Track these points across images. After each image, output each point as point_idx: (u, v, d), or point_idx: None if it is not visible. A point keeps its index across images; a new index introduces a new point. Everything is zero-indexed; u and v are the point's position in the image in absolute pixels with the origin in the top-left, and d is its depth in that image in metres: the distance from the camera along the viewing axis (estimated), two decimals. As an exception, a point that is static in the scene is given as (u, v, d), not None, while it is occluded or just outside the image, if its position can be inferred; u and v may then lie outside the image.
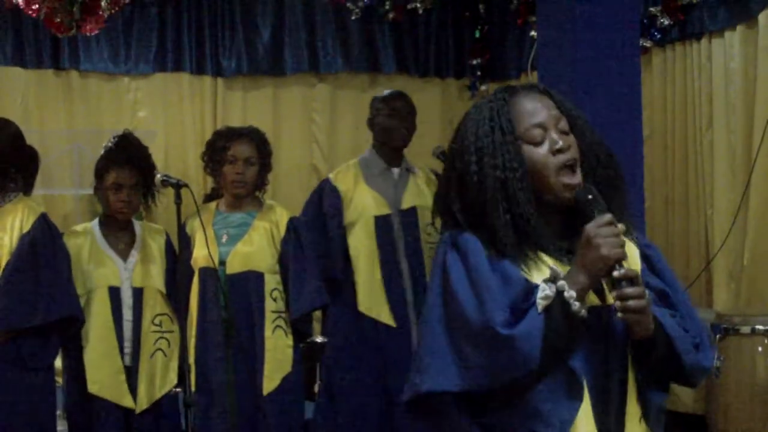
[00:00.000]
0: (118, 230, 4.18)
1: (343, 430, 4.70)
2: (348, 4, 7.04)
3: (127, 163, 4.09)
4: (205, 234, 4.13)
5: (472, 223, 2.01)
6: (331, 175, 4.85)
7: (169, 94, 7.07)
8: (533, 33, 6.02)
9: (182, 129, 7.07)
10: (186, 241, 4.24)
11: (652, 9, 5.87)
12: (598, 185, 2.01)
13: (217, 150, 4.33)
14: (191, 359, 4.17)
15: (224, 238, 4.30)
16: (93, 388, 4.00)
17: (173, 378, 4.14)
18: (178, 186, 3.83)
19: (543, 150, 2.01)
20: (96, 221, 4.22)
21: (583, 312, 1.92)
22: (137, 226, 4.24)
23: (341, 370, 4.72)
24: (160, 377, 4.11)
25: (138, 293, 4.10)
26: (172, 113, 7.07)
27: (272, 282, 4.26)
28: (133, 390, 4.05)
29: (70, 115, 6.92)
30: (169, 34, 7.03)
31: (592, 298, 1.98)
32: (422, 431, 2.10)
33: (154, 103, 7.05)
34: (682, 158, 5.98)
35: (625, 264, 1.93)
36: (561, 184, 2.00)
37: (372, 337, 4.64)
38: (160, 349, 4.11)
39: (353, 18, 7.12)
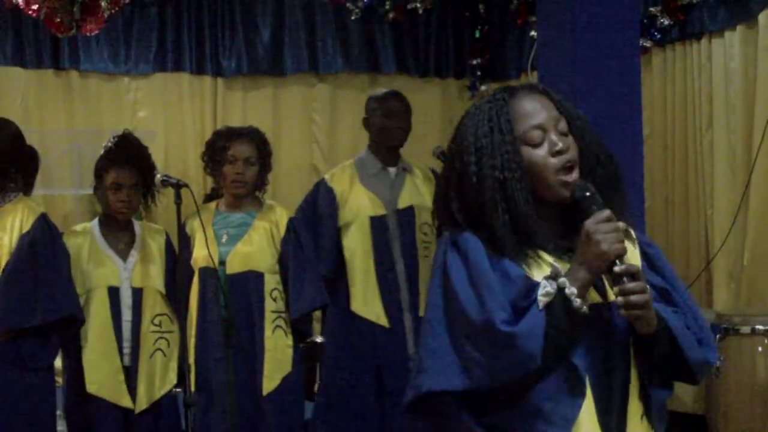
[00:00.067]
0: (118, 230, 4.18)
1: (340, 430, 4.70)
2: (348, 4, 7.04)
3: (126, 163, 4.09)
4: (205, 234, 4.13)
5: (471, 222, 2.02)
6: (326, 176, 4.85)
7: (169, 94, 7.06)
8: (533, 33, 6.02)
9: (182, 129, 7.07)
10: (186, 241, 4.24)
11: (652, 9, 5.87)
12: (597, 186, 2.01)
13: (217, 150, 4.33)
14: (191, 359, 4.17)
15: (224, 238, 4.30)
16: (91, 388, 4.00)
17: (173, 378, 4.14)
18: (178, 186, 3.83)
19: (542, 151, 2.02)
20: (96, 221, 4.22)
21: (585, 308, 1.92)
22: (137, 226, 4.24)
23: (337, 370, 4.73)
24: (160, 377, 4.11)
25: (137, 293, 4.10)
26: (172, 113, 7.07)
27: (272, 282, 4.26)
28: (132, 390, 4.05)
29: (70, 115, 6.92)
30: (169, 34, 7.02)
31: (594, 296, 1.99)
32: (424, 432, 2.10)
33: (154, 103, 7.05)
34: (682, 158, 5.98)
35: (625, 259, 1.93)
36: (559, 181, 2.00)
37: (367, 337, 4.63)
38: (159, 349, 4.11)
39: (353, 18, 7.12)
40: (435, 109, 7.39)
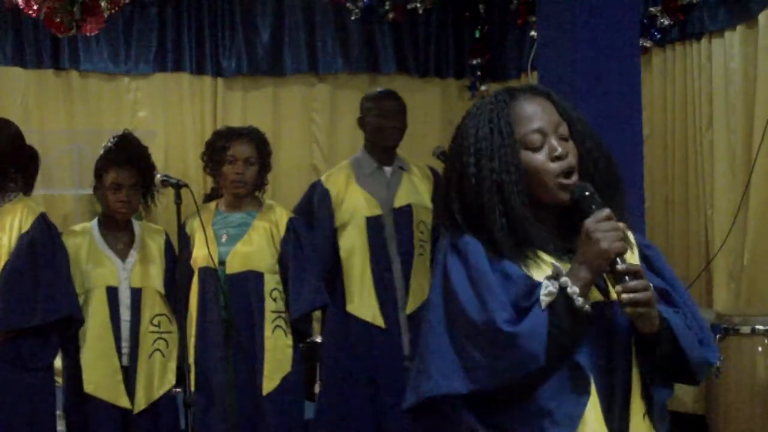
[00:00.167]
0: (117, 230, 4.18)
1: (338, 430, 4.71)
2: (348, 5, 7.04)
3: (126, 163, 4.09)
4: (205, 234, 4.13)
5: (470, 224, 2.02)
6: (323, 177, 4.84)
7: (169, 94, 7.06)
8: (533, 33, 6.02)
9: (182, 129, 7.07)
10: (186, 241, 4.24)
11: (652, 9, 5.87)
12: (597, 188, 2.01)
13: (217, 150, 4.33)
14: (191, 359, 4.17)
15: (224, 238, 4.30)
16: (89, 388, 4.00)
17: (171, 378, 4.14)
18: (178, 186, 3.83)
19: (541, 156, 2.02)
20: (95, 221, 4.22)
21: (587, 307, 1.92)
22: (136, 226, 4.24)
23: (335, 371, 4.73)
24: (159, 378, 4.11)
25: (136, 293, 4.10)
26: (172, 113, 7.07)
27: (272, 282, 4.26)
28: (130, 390, 4.04)
29: (70, 115, 6.92)
30: (169, 34, 7.02)
31: (595, 294, 1.99)
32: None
33: (154, 103, 7.05)
34: (682, 158, 5.98)
35: (627, 257, 1.93)
36: (558, 186, 2.00)
37: (363, 337, 4.63)
38: (158, 349, 4.11)
39: (353, 18, 7.12)
40: (435, 109, 7.39)
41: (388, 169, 4.77)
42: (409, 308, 4.64)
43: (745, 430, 4.76)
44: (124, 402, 4.03)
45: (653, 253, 2.13)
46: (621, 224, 1.95)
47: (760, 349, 4.74)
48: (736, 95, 5.59)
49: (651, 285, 1.93)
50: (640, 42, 4.93)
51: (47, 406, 3.98)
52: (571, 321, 1.91)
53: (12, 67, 6.73)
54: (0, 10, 6.36)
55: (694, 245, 5.89)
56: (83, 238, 4.13)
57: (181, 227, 4.04)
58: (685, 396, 5.33)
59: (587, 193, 1.98)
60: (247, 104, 7.20)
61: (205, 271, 4.24)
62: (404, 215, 4.70)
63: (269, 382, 4.21)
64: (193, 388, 3.95)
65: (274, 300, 4.25)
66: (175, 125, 7.06)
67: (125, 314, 4.08)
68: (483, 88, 7.28)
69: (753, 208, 5.41)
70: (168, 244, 4.26)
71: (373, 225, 4.66)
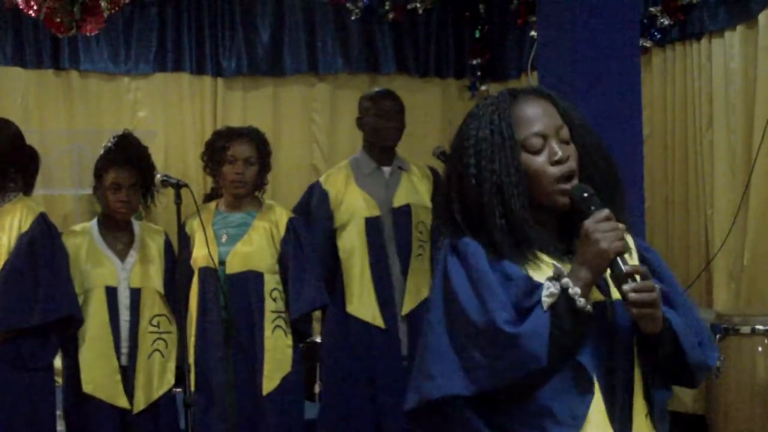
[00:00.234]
0: (117, 230, 4.17)
1: (338, 430, 4.71)
2: (348, 5, 7.05)
3: (126, 163, 4.08)
4: (205, 234, 4.13)
5: (471, 225, 2.02)
6: (321, 178, 4.84)
7: (169, 94, 7.07)
8: (533, 33, 6.02)
9: (182, 129, 7.07)
10: (185, 241, 4.24)
11: (652, 9, 5.87)
12: (597, 192, 2.00)
13: (217, 150, 4.32)
14: (191, 359, 4.17)
15: (224, 238, 4.30)
16: (87, 388, 4.00)
17: (170, 379, 4.14)
18: (178, 186, 3.83)
19: (541, 159, 2.01)
20: (95, 221, 4.21)
21: (588, 308, 1.92)
22: (136, 226, 4.24)
23: (335, 371, 4.73)
24: (158, 378, 4.11)
25: (136, 294, 4.10)
26: (172, 113, 7.07)
27: (272, 282, 4.26)
28: (129, 391, 4.04)
29: (70, 115, 6.92)
30: (169, 34, 7.03)
31: (596, 295, 1.99)
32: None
33: (154, 103, 7.05)
34: (682, 158, 5.98)
35: (627, 257, 1.93)
36: (557, 190, 2.00)
37: (362, 338, 4.63)
38: (157, 349, 4.11)
39: (353, 18, 7.12)
40: (435, 109, 7.39)
41: (386, 169, 4.76)
42: (405, 309, 4.64)
43: (745, 430, 4.76)
44: (122, 402, 4.02)
45: (652, 256, 2.12)
46: (621, 225, 1.95)
47: (760, 349, 4.74)
48: (736, 95, 5.59)
49: (657, 286, 1.93)
50: (640, 42, 4.93)
51: (47, 406, 3.98)
52: (573, 322, 1.91)
53: (12, 67, 6.73)
54: (0, 10, 6.36)
55: (694, 245, 5.89)
56: (83, 238, 4.13)
57: (181, 227, 4.04)
58: (685, 396, 5.33)
59: (586, 195, 1.98)
60: (247, 104, 7.21)
61: (205, 271, 4.24)
62: (403, 215, 4.70)
63: (269, 382, 4.21)
64: (193, 388, 3.95)
65: (274, 300, 4.25)
66: (175, 125, 7.06)
67: (124, 314, 4.08)
68: (483, 88, 7.28)
69: (753, 208, 5.41)
70: (167, 244, 4.26)
71: (372, 225, 4.65)
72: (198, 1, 7.07)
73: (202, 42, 7.07)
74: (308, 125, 7.32)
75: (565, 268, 1.96)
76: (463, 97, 7.46)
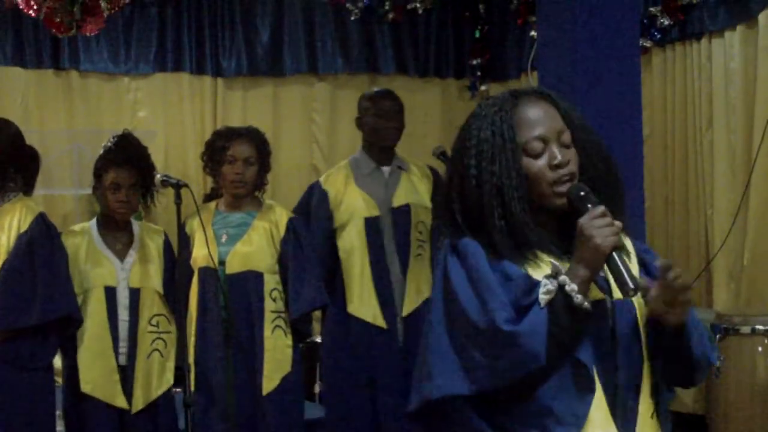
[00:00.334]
0: (116, 230, 4.17)
1: (339, 430, 4.71)
2: (347, 5, 7.05)
3: (125, 163, 4.08)
4: (205, 234, 4.13)
5: (471, 225, 2.02)
6: (321, 178, 4.84)
7: (169, 94, 7.06)
8: (533, 33, 6.02)
9: (182, 129, 7.07)
10: (185, 241, 4.24)
11: (652, 9, 5.87)
12: (597, 195, 2.00)
13: (217, 150, 4.33)
14: (191, 359, 4.17)
15: (224, 238, 4.30)
16: (86, 387, 4.00)
17: (169, 378, 4.14)
18: (178, 186, 3.83)
19: (541, 162, 2.02)
20: (94, 221, 4.21)
21: (586, 305, 1.92)
22: (135, 226, 4.24)
23: (335, 371, 4.73)
24: (157, 378, 4.11)
25: (135, 293, 4.10)
26: (172, 113, 7.07)
27: (272, 282, 4.26)
28: (128, 390, 4.04)
29: (70, 115, 6.92)
30: (169, 34, 7.02)
31: (597, 293, 1.99)
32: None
33: (154, 103, 7.05)
34: (682, 158, 5.98)
35: (627, 259, 1.93)
36: (555, 193, 2.01)
37: (363, 338, 4.63)
38: (156, 349, 4.11)
39: (353, 18, 7.12)
40: (435, 109, 7.39)
41: (386, 169, 4.76)
42: (406, 309, 4.64)
43: (745, 430, 4.76)
44: (120, 402, 4.02)
45: (651, 258, 2.13)
46: (617, 222, 1.95)
47: (760, 349, 4.74)
48: (736, 95, 5.59)
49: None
50: (640, 42, 4.93)
51: (46, 406, 3.98)
52: (571, 319, 1.91)
53: (12, 67, 6.73)
54: (0, 10, 6.36)
55: (694, 245, 5.89)
56: (82, 238, 4.13)
57: (180, 227, 4.04)
58: (685, 396, 5.33)
59: (582, 193, 1.99)
60: (247, 104, 7.20)
61: (204, 271, 4.24)
62: (402, 215, 4.70)
63: (269, 382, 4.21)
64: (192, 388, 3.95)
65: (274, 300, 4.25)
66: (175, 125, 7.06)
67: (123, 314, 4.08)
68: (483, 88, 7.29)
69: (753, 208, 5.41)
70: (167, 244, 4.26)
71: (372, 225, 4.65)
72: (198, 1, 7.07)
73: (202, 42, 7.07)
74: (308, 125, 7.32)
75: (565, 267, 1.96)
76: (463, 97, 7.46)
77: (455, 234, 2.03)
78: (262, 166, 4.38)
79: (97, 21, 4.92)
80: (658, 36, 5.95)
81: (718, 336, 4.74)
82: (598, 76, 4.03)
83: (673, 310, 1.94)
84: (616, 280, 1.94)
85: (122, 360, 4.06)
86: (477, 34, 7.38)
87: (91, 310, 4.03)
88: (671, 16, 5.83)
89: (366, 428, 4.65)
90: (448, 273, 1.99)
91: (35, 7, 4.85)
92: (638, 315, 2.02)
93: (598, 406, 1.95)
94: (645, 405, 2.01)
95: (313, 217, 4.66)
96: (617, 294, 1.97)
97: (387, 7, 7.15)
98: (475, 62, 7.33)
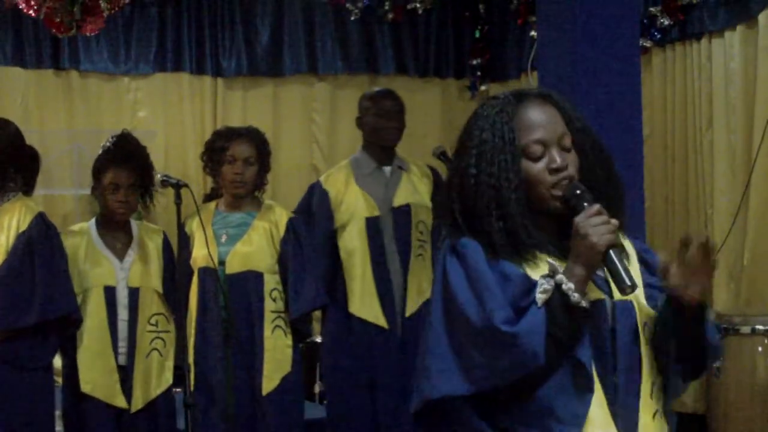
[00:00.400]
0: (115, 230, 4.17)
1: (339, 430, 4.71)
2: (347, 5, 7.04)
3: (124, 163, 4.08)
4: (205, 234, 4.13)
5: (469, 225, 2.02)
6: (322, 178, 4.84)
7: (169, 94, 7.06)
8: (533, 33, 6.02)
9: (182, 129, 7.06)
10: (185, 241, 4.24)
11: (652, 9, 5.87)
12: (597, 199, 1.99)
13: (216, 150, 4.33)
14: (190, 359, 4.17)
15: (223, 238, 4.30)
16: (86, 387, 4.00)
17: (169, 378, 4.14)
18: (178, 186, 3.83)
19: (540, 166, 2.02)
20: (93, 221, 4.21)
21: (583, 303, 1.92)
22: (134, 226, 4.24)
23: (338, 372, 4.72)
24: (156, 377, 4.11)
25: (134, 293, 4.10)
26: (172, 113, 7.07)
27: (272, 282, 4.26)
28: (127, 390, 4.04)
29: (70, 115, 6.91)
30: (169, 34, 7.02)
31: (597, 293, 1.99)
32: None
33: (154, 103, 7.05)
34: (682, 158, 5.98)
35: (625, 258, 1.93)
36: (552, 196, 2.01)
37: (364, 338, 4.63)
38: (155, 349, 4.11)
39: (352, 18, 7.12)
40: (435, 109, 7.38)
41: (387, 169, 4.76)
42: (409, 310, 4.63)
43: (745, 431, 4.76)
44: (120, 401, 4.02)
45: (651, 257, 2.13)
46: (613, 220, 1.95)
47: (760, 349, 4.74)
48: (736, 95, 5.59)
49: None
50: (640, 42, 4.93)
51: (46, 406, 3.98)
52: (568, 318, 1.91)
53: (12, 67, 6.73)
54: (0, 10, 6.36)
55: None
56: (81, 238, 4.13)
57: (180, 227, 4.04)
58: (685, 396, 5.33)
59: (578, 192, 1.98)
60: (247, 104, 7.20)
61: (204, 271, 4.24)
62: (403, 215, 4.69)
63: (269, 382, 4.21)
64: (192, 388, 3.94)
65: (274, 300, 4.25)
66: (175, 125, 7.05)
67: (123, 314, 4.08)
68: (483, 88, 7.28)
69: (753, 208, 5.41)
70: (166, 243, 4.26)
71: (373, 226, 4.65)
72: (198, 1, 7.07)
73: (202, 42, 7.07)
74: (308, 125, 7.31)
75: (563, 267, 1.96)
76: (463, 97, 7.46)
77: (455, 233, 2.03)
78: (262, 166, 4.38)
79: (97, 21, 4.92)
80: (658, 36, 5.94)
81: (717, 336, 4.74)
82: (598, 76, 4.03)
83: (693, 286, 1.95)
84: (612, 278, 1.94)
85: (121, 360, 4.07)
86: (477, 34, 7.37)
87: (91, 310, 4.03)
88: (671, 16, 5.83)
89: (366, 428, 4.65)
90: (447, 273, 1.99)
91: (35, 7, 4.85)
92: (638, 316, 2.02)
93: (598, 405, 1.95)
94: (645, 405, 2.00)
95: (314, 217, 4.65)
96: (618, 295, 1.97)
97: (387, 7, 7.15)
98: (475, 62, 7.33)
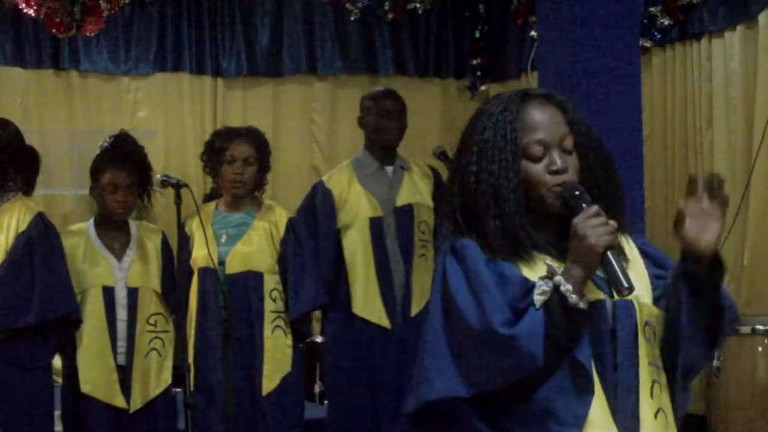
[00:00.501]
0: (114, 230, 4.17)
1: (340, 430, 4.71)
2: (347, 5, 7.04)
3: (122, 164, 4.08)
4: (205, 234, 4.13)
5: (470, 224, 2.02)
6: (324, 178, 4.84)
7: (169, 94, 7.06)
8: (533, 33, 6.02)
9: (182, 129, 7.07)
10: (185, 241, 4.24)
11: (652, 9, 5.87)
12: (598, 201, 1.99)
13: (216, 150, 4.32)
14: (190, 359, 4.17)
15: (223, 238, 4.30)
16: (85, 387, 4.00)
17: (168, 377, 4.14)
18: (177, 186, 3.83)
19: (540, 167, 2.01)
20: (91, 221, 4.21)
21: (582, 304, 1.91)
22: (133, 226, 4.24)
23: (340, 372, 4.72)
24: (155, 377, 4.11)
25: (133, 293, 4.10)
26: (172, 113, 7.07)
27: (271, 282, 4.26)
28: (126, 390, 4.04)
29: (70, 115, 6.92)
30: (169, 34, 7.02)
31: (596, 294, 1.98)
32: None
33: (154, 103, 7.05)
34: (682, 158, 5.98)
35: (623, 260, 1.93)
36: (550, 196, 2.00)
37: (366, 338, 4.63)
38: (154, 348, 4.11)
39: (352, 18, 7.12)
40: (435, 109, 7.38)
41: (389, 169, 4.76)
42: (414, 310, 4.63)
43: (744, 431, 4.76)
44: (119, 402, 4.02)
45: (652, 249, 2.14)
46: (612, 222, 1.95)
47: (760, 349, 4.74)
48: (736, 95, 5.59)
49: None
50: (640, 42, 4.92)
51: (45, 406, 3.98)
52: (567, 319, 1.91)
53: (12, 67, 6.73)
54: (0, 10, 6.36)
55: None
56: (79, 238, 4.13)
57: (180, 227, 4.04)
58: (685, 396, 5.32)
59: (577, 192, 1.98)
60: (246, 104, 7.20)
61: (204, 271, 4.24)
62: (405, 215, 4.69)
63: (269, 382, 4.21)
64: (192, 388, 3.95)
65: (274, 300, 4.25)
66: (175, 125, 7.05)
67: (121, 314, 4.08)
68: (483, 88, 7.28)
69: (753, 208, 5.41)
70: (164, 243, 4.26)
71: (376, 226, 4.65)
72: (198, 1, 7.07)
73: (202, 42, 7.07)
74: (308, 125, 7.32)
75: (561, 268, 1.96)
76: (463, 97, 7.46)
77: (455, 233, 2.03)
78: (262, 166, 4.38)
79: (97, 21, 4.92)
80: (658, 36, 5.94)
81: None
82: (598, 76, 4.02)
83: (706, 234, 1.96)
84: (610, 280, 1.93)
85: (120, 360, 4.07)
86: (477, 34, 7.38)
87: (90, 310, 4.04)
88: (671, 16, 5.83)
89: (367, 429, 4.65)
90: (447, 274, 1.99)
91: (35, 7, 4.85)
92: (639, 316, 2.02)
93: (598, 406, 1.95)
94: (646, 405, 2.00)
95: (318, 217, 4.65)
96: (617, 295, 1.97)
97: (387, 7, 7.15)
98: (475, 62, 7.33)
